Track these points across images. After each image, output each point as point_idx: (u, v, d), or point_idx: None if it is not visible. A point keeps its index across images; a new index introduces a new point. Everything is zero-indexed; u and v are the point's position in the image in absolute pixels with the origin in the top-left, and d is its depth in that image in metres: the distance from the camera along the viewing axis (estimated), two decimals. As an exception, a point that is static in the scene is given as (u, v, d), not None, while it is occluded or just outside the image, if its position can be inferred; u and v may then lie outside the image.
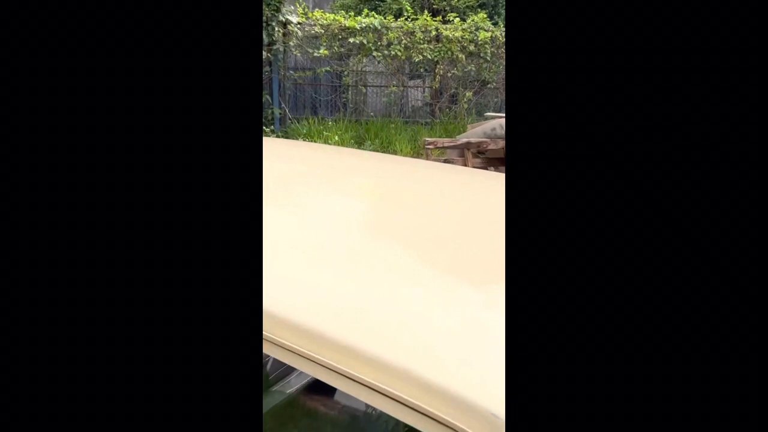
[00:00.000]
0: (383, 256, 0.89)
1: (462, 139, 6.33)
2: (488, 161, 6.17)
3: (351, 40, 8.94)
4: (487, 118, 7.01)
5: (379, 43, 9.04)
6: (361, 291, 0.77)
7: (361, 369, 0.60)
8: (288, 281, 0.77)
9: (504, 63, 9.30)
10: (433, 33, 9.14)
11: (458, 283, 0.82)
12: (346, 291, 0.76)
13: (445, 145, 6.20)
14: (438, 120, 9.22)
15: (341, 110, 9.38)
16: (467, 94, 9.33)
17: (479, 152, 6.30)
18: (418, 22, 9.10)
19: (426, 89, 9.80)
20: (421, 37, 9.08)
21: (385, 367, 0.59)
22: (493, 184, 1.42)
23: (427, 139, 6.27)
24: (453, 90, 9.43)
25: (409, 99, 9.91)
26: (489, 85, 9.47)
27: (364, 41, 8.96)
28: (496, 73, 9.41)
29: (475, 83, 9.44)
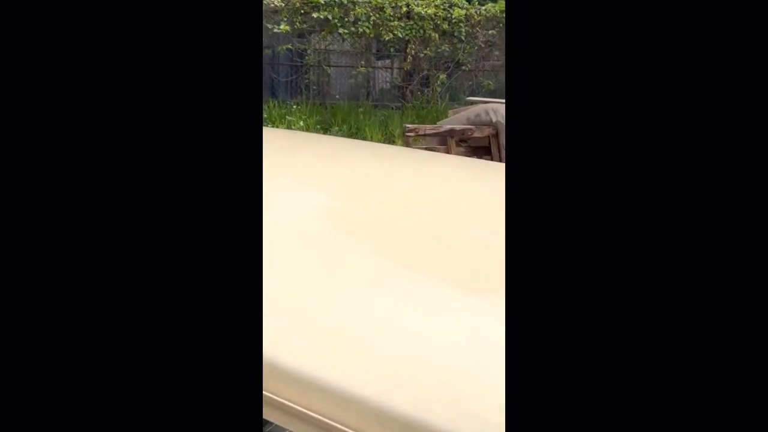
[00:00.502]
0: (366, 264, 0.83)
1: (445, 125, 5.88)
2: (472, 150, 5.81)
3: (314, 15, 8.32)
4: (469, 103, 6.50)
5: (345, 19, 8.36)
6: (343, 311, 0.69)
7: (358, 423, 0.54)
8: None
9: (479, 44, 8.78)
10: (404, 9, 8.49)
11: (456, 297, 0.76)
12: (324, 310, 0.69)
13: (428, 132, 5.72)
14: (410, 104, 8.59)
15: (303, 92, 8.67)
16: (441, 76, 8.71)
17: (461, 140, 5.90)
18: (388, -3, 8.43)
19: (395, 70, 9.14)
20: (391, 14, 8.42)
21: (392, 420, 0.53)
22: (496, 176, 1.33)
23: (407, 125, 5.82)
24: (425, 72, 8.79)
25: (377, 81, 9.24)
26: (463, 67, 8.86)
27: (329, 17, 8.32)
28: (471, 54, 8.82)
29: (449, 65, 8.82)
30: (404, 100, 8.77)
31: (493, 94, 8.41)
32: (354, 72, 8.79)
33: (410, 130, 5.76)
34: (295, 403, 0.57)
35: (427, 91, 8.81)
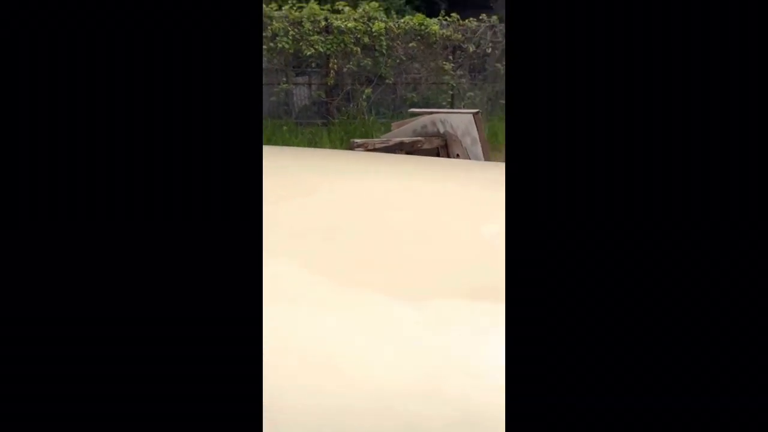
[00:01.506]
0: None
1: (393, 138, 5.70)
2: (419, 163, 5.62)
3: (230, 30, 7.80)
4: (412, 115, 6.38)
5: (263, 35, 7.96)
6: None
7: None
8: None
9: (400, 57, 8.71)
10: (323, 23, 8.24)
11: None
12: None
13: (377, 146, 5.51)
14: (336, 120, 8.32)
15: (221, 112, 8.16)
16: (366, 90, 8.52)
17: (408, 153, 5.76)
18: (305, 11, 8.14)
19: (315, 86, 8.85)
20: (310, 28, 8.14)
21: None
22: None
23: (355, 140, 5.58)
24: (349, 86, 8.57)
25: (296, 98, 8.91)
26: (387, 81, 8.74)
27: (246, 32, 7.86)
28: (393, 68, 8.72)
29: (372, 78, 8.66)
30: (329, 115, 8.49)
31: (416, 106, 8.34)
32: (276, 89, 8.40)
33: (359, 145, 5.53)
34: None
35: (352, 105, 8.59)
